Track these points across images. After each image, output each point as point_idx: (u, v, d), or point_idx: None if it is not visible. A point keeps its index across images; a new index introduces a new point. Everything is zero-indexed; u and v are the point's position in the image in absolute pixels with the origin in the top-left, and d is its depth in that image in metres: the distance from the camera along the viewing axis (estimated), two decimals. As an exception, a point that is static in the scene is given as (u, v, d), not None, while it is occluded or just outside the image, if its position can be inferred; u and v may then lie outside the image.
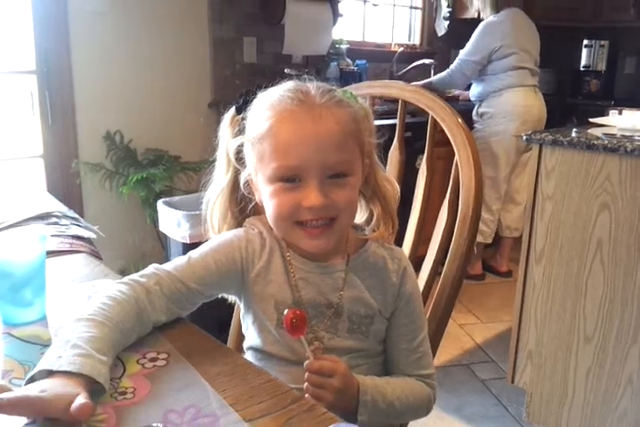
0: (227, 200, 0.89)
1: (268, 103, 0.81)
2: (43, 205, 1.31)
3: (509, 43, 2.97)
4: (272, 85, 0.83)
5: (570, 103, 3.98)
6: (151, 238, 2.72)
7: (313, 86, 0.81)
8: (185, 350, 0.72)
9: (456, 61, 3.11)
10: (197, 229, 2.20)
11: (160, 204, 2.42)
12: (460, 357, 2.48)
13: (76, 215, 1.34)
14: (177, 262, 0.83)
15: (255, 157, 0.82)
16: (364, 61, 3.33)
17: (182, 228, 2.28)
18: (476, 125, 3.14)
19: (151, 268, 0.81)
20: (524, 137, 1.84)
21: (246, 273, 0.85)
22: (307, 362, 0.77)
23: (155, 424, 0.57)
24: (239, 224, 0.90)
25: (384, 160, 0.99)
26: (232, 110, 0.88)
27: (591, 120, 2.07)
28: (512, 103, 3.00)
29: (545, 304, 1.88)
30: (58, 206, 1.32)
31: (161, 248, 2.64)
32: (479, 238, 3.18)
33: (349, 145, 0.80)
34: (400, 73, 3.65)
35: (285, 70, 2.88)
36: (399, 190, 0.90)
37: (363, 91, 1.14)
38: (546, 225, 1.84)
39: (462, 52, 3.08)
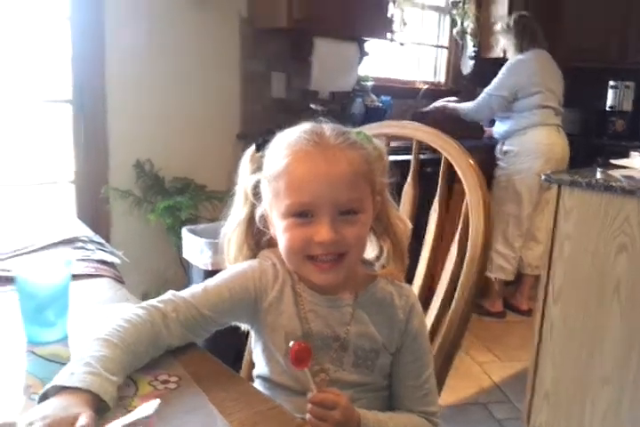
0: (243, 233, 0.93)
1: (285, 143, 0.86)
2: (70, 229, 1.36)
3: (536, 81, 3.03)
4: (291, 126, 0.88)
5: (595, 143, 3.99)
6: (174, 265, 2.77)
7: (328, 128, 0.86)
8: (196, 375, 0.75)
9: (483, 95, 3.17)
10: (219, 256, 2.24)
11: (184, 231, 2.47)
12: (477, 395, 2.46)
13: (102, 240, 1.40)
14: (193, 290, 0.87)
15: (271, 193, 0.86)
16: (388, 98, 3.40)
17: (204, 255, 2.33)
18: (499, 163, 3.18)
19: (169, 294, 0.85)
20: (543, 177, 1.86)
21: (259, 303, 0.88)
22: (310, 394, 0.79)
23: None
24: (254, 256, 0.94)
25: (398, 197, 1.02)
26: (252, 148, 0.93)
27: (613, 161, 2.09)
28: (536, 141, 3.04)
29: (562, 344, 1.87)
30: (85, 231, 1.38)
31: (183, 274, 2.69)
32: (501, 275, 3.18)
33: (360, 184, 0.84)
34: (424, 110, 3.70)
35: (312, 105, 2.95)
36: (410, 228, 0.93)
37: (380, 130, 1.19)
38: (564, 265, 1.85)
39: (489, 87, 3.15)
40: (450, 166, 1.08)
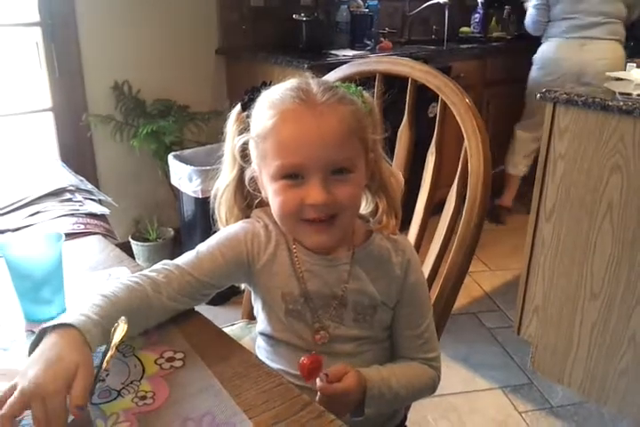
0: (232, 195, 0.91)
1: (270, 102, 0.82)
2: (56, 179, 1.32)
3: None
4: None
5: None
6: (164, 189, 2.74)
7: (315, 84, 0.82)
8: (200, 348, 0.76)
9: (529, 9, 3.09)
10: (209, 183, 2.21)
11: (171, 158, 2.42)
12: (467, 305, 2.54)
13: (90, 187, 1.36)
14: (186, 257, 0.86)
15: (259, 155, 0.84)
16: (375, 2, 3.20)
17: (194, 183, 2.30)
18: None
19: (160, 264, 0.85)
20: (538, 95, 1.80)
21: (252, 265, 0.87)
22: (319, 384, 0.78)
23: None
24: (245, 217, 0.92)
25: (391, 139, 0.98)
26: (238, 107, 0.88)
27: (608, 73, 2.02)
28: (544, 53, 3.02)
29: (553, 261, 1.90)
30: (70, 179, 1.34)
31: (174, 198, 2.67)
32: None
33: (352, 142, 0.81)
34: (413, 12, 3.52)
35: (294, 16, 2.78)
36: (403, 182, 0.91)
37: (370, 67, 1.12)
38: (557, 184, 1.84)
39: None
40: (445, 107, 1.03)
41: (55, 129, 2.52)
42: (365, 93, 0.86)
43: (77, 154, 2.54)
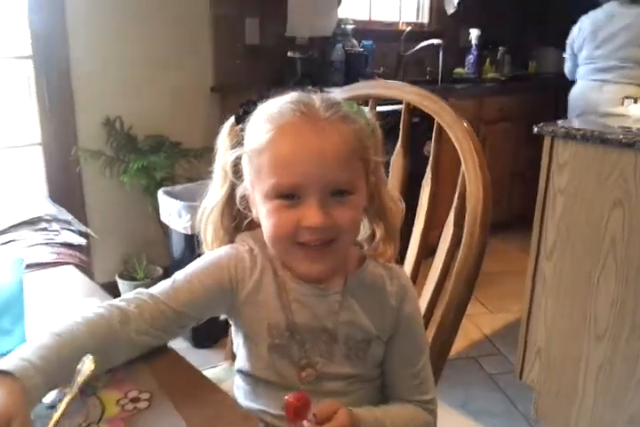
0: (220, 215, 0.83)
1: (268, 115, 0.75)
2: (33, 208, 1.25)
3: (582, 38, 3.12)
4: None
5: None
6: (153, 226, 2.67)
7: (317, 98, 0.76)
8: (169, 387, 0.68)
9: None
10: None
11: (161, 193, 2.37)
12: (467, 349, 2.44)
13: (69, 217, 1.30)
14: (162, 286, 0.79)
15: (253, 171, 0.77)
16: (370, 42, 3.23)
17: (183, 219, 2.24)
18: None
19: (132, 293, 0.78)
20: (535, 129, 1.77)
21: (235, 294, 0.80)
22: (308, 426, 0.68)
23: None
24: (231, 240, 0.85)
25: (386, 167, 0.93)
26: (231, 120, 0.82)
27: (606, 110, 1.99)
28: (571, 93, 3.22)
29: (555, 301, 1.83)
30: (48, 209, 1.27)
31: (163, 236, 2.60)
32: None
33: (353, 163, 0.74)
34: (408, 53, 3.54)
35: (289, 53, 2.79)
36: (403, 209, 0.84)
37: (364, 91, 1.08)
38: (557, 220, 1.78)
39: None
40: (440, 131, 0.99)
41: (44, 163, 2.47)
42: (368, 113, 0.81)
43: (66, 189, 2.49)
